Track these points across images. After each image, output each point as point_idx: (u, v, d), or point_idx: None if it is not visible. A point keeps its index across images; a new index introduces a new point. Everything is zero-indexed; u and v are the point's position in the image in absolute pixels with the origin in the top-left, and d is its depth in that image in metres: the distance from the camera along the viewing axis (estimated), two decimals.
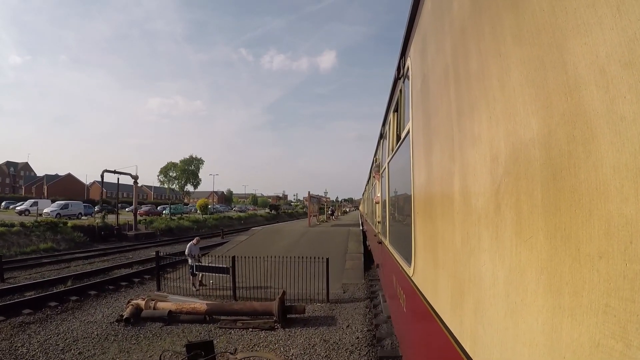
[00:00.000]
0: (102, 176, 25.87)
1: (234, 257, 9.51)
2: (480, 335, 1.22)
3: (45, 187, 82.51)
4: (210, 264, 10.18)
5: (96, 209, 44.70)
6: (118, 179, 28.01)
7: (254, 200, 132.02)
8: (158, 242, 24.57)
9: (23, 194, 77.92)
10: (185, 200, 79.47)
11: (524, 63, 0.92)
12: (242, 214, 55.64)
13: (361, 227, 19.74)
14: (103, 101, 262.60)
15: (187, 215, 45.08)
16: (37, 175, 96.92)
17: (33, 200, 43.09)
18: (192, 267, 10.21)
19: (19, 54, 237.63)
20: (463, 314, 1.40)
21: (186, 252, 10.91)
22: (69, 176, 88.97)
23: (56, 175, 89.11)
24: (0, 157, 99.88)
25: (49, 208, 35.93)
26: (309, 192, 26.39)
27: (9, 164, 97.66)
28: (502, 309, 1.05)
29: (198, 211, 50.37)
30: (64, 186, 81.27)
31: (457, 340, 1.45)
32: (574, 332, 0.72)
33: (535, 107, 0.87)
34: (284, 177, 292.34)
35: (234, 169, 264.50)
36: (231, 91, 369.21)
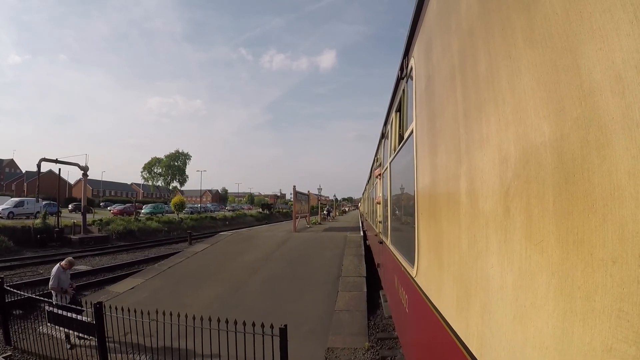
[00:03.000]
0: (38, 166, 21.65)
1: (98, 307, 4.96)
2: (487, 337, 1.22)
3: (25, 184, 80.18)
4: (72, 314, 5.42)
5: (70, 207, 42.46)
6: (59, 169, 24.31)
7: (250, 199, 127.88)
8: (106, 249, 20.57)
9: (4, 191, 75.59)
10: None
11: (536, 66, 0.91)
12: (228, 214, 49.60)
13: (362, 232, 16.09)
14: (102, 100, 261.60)
15: (159, 215, 39.42)
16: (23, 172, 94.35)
17: None
18: (57, 307, 5.80)
19: (19, 53, 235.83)
20: (469, 316, 1.39)
21: (50, 283, 6.34)
22: (51, 173, 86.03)
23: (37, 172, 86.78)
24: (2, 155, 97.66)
25: (0, 206, 31.72)
26: (294, 186, 19.43)
27: None
28: (510, 312, 1.05)
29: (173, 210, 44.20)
30: (46, 184, 79.05)
31: (463, 342, 1.45)
32: (586, 336, 0.73)
33: (547, 111, 0.87)
34: (283, 176, 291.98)
35: (233, 167, 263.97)
36: (231, 91, 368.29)
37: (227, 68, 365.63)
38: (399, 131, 3.74)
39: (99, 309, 5.01)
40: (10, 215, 30.08)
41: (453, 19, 1.63)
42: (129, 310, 4.69)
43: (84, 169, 24.05)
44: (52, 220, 22.49)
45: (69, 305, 5.80)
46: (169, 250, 19.93)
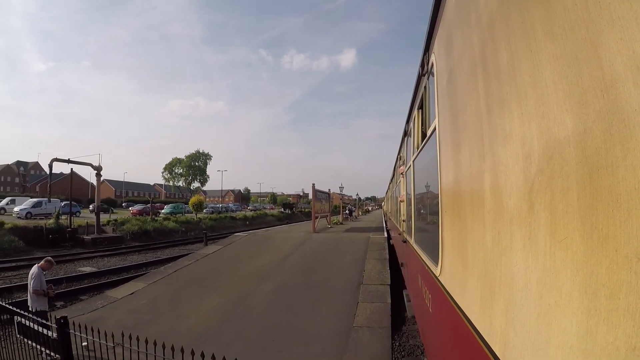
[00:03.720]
0: (50, 166, 21.69)
1: (62, 323, 4.24)
2: (510, 337, 1.20)
3: (49, 185, 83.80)
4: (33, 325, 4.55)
5: (91, 207, 42.15)
6: (71, 169, 24.51)
7: (273, 198, 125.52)
8: (118, 249, 20.15)
9: (30, 192, 78.87)
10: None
11: (557, 59, 0.90)
12: (249, 214, 49.56)
13: (385, 233, 15.27)
14: (126, 103, 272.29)
15: (179, 215, 39.94)
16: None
17: (10, 198, 40.92)
18: (34, 313, 5.21)
19: (44, 61, 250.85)
20: (493, 315, 1.37)
21: (33, 285, 5.78)
22: (73, 174, 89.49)
23: (60, 174, 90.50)
24: (28, 159, 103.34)
25: (19, 207, 32.43)
26: (312, 185, 18.27)
27: (19, 163, 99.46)
28: (534, 311, 1.03)
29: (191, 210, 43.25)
30: (68, 185, 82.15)
31: (486, 342, 1.42)
32: (610, 335, 0.71)
33: (570, 105, 0.85)
34: (306, 175, 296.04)
35: (256, 167, 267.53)
36: (252, 91, 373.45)
37: (248, 69, 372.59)
38: (422, 128, 3.70)
39: (63, 324, 4.23)
40: (28, 215, 30.43)
41: (472, 13, 1.61)
42: (92, 329, 3.68)
43: (97, 169, 23.65)
44: (65, 220, 22.41)
45: (34, 317, 4.88)
46: (183, 251, 19.28)
